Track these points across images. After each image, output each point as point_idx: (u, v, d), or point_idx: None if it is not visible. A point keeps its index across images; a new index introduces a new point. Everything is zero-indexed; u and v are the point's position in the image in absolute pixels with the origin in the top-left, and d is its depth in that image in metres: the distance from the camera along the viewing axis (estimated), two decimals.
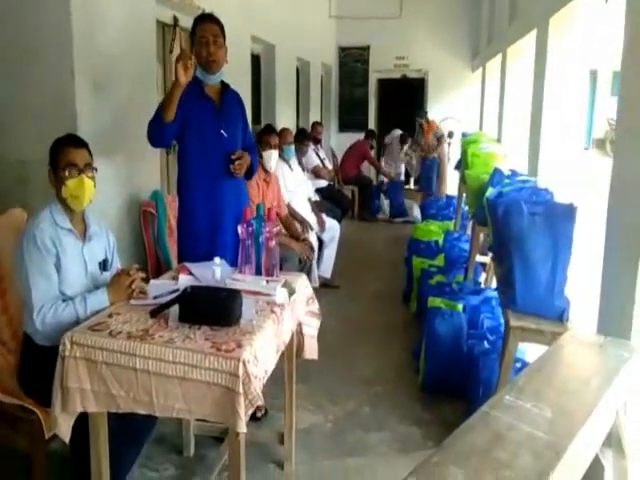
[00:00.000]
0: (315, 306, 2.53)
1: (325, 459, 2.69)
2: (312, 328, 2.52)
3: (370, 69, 11.43)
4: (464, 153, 5.46)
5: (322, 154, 7.52)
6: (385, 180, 9.10)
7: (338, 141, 11.00)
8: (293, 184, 4.98)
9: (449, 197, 7.77)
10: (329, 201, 6.46)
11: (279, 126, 5.67)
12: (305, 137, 6.39)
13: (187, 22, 4.40)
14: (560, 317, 2.46)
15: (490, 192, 3.08)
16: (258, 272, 2.35)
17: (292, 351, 2.48)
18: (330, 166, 7.76)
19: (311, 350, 2.52)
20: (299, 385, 2.73)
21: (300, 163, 5.98)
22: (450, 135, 9.38)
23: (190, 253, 2.75)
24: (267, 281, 2.24)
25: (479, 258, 4.43)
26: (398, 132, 9.51)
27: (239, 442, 1.77)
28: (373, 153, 9.32)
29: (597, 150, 15.79)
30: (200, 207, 2.81)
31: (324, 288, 4.93)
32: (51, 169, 2.14)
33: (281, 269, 2.53)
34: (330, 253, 5.22)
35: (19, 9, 2.82)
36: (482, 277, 4.63)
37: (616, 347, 1.81)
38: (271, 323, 1.97)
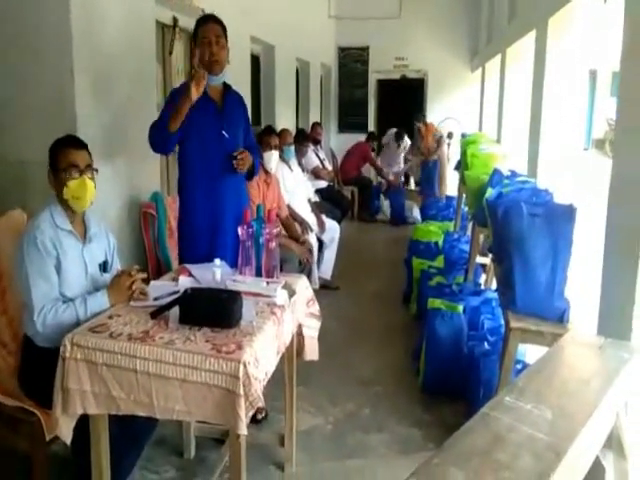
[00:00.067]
0: (315, 307, 2.53)
1: (325, 461, 2.69)
2: (312, 329, 2.52)
3: (370, 69, 11.44)
4: (464, 154, 5.46)
5: (322, 155, 7.51)
6: (383, 181, 9.09)
7: (338, 142, 11.00)
8: (293, 185, 4.98)
9: (449, 198, 7.76)
10: (329, 202, 6.45)
11: (279, 127, 5.67)
12: (305, 138, 6.39)
13: (186, 23, 4.41)
14: (560, 318, 2.46)
15: (490, 193, 3.08)
16: (258, 273, 2.35)
17: (292, 353, 2.48)
18: (330, 167, 7.76)
19: (311, 351, 2.52)
20: (299, 387, 2.73)
21: (300, 164, 5.98)
22: (450, 136, 9.38)
23: (191, 254, 2.76)
24: (267, 282, 2.24)
25: (479, 259, 4.43)
26: (394, 131, 9.51)
27: (240, 444, 1.77)
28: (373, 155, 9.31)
29: (597, 150, 15.80)
30: (201, 208, 2.81)
31: (324, 289, 4.93)
32: (51, 170, 2.13)
33: (281, 270, 2.53)
34: (330, 254, 5.21)
35: (19, 9, 2.82)
36: (482, 278, 4.63)
37: (616, 348, 1.81)
38: (271, 325, 1.97)
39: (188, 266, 2.47)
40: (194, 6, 4.39)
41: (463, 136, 6.81)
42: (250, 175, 2.99)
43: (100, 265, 2.25)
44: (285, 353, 2.31)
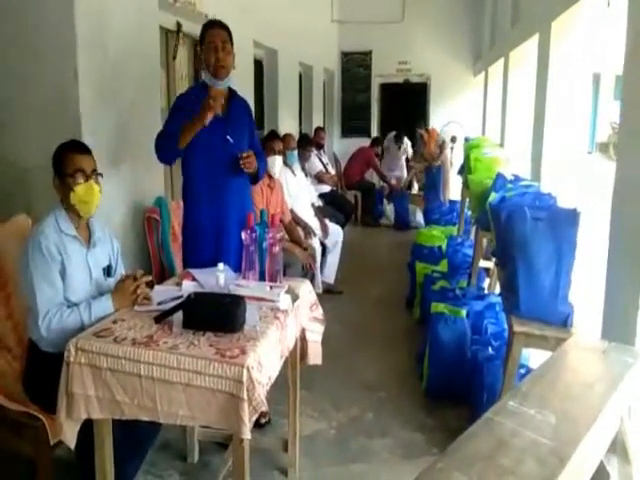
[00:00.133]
0: (319, 312, 2.53)
1: (329, 466, 2.68)
2: (316, 334, 2.52)
3: (372, 74, 11.47)
4: (467, 158, 5.45)
5: (325, 159, 7.52)
6: (385, 186, 9.08)
7: (341, 146, 11.02)
8: (296, 190, 4.99)
9: (452, 202, 7.74)
10: (332, 206, 6.45)
11: (282, 132, 5.68)
12: (308, 143, 6.40)
13: (190, 28, 4.43)
14: (564, 322, 2.45)
15: (493, 197, 3.08)
16: (262, 278, 2.35)
17: (296, 357, 2.48)
18: (333, 171, 7.77)
19: (315, 355, 2.52)
20: (302, 391, 2.72)
21: (303, 169, 5.99)
22: (453, 140, 9.36)
23: (195, 258, 2.77)
24: (271, 287, 2.24)
25: (482, 263, 4.42)
26: (393, 134, 9.50)
27: (243, 448, 1.77)
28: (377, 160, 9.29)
29: (600, 154, 15.76)
30: (205, 212, 2.82)
31: (327, 294, 4.93)
32: (57, 176, 2.14)
33: (284, 275, 2.53)
34: (333, 259, 5.21)
35: (19, 9, 2.83)
36: (486, 282, 4.61)
37: (620, 353, 1.80)
38: (275, 329, 1.97)
39: (192, 271, 2.48)
40: (198, 11, 4.41)
41: (466, 140, 6.80)
42: (255, 179, 3.00)
43: (104, 270, 2.26)
44: (288, 357, 2.30)
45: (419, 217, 8.18)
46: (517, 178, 3.62)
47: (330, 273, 5.17)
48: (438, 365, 3.24)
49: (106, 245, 2.30)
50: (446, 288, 3.97)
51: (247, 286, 2.21)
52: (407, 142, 9.51)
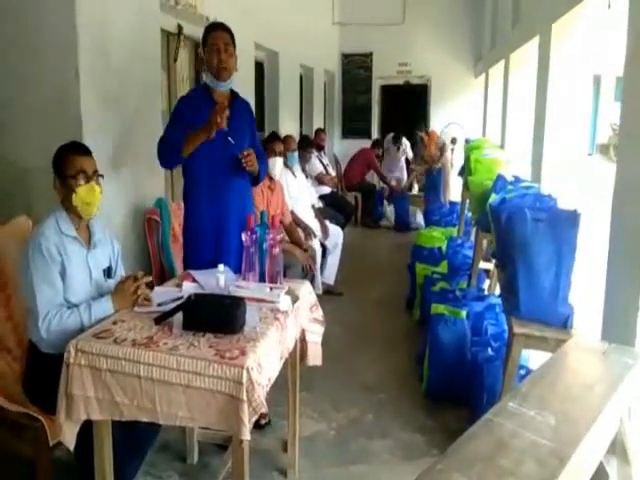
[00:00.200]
0: (319, 313, 2.53)
1: (328, 467, 2.68)
2: (316, 335, 2.52)
3: (373, 75, 11.47)
4: (467, 159, 5.46)
5: (325, 161, 7.53)
6: (385, 187, 9.08)
7: (341, 148, 11.03)
8: (296, 191, 4.99)
9: (452, 203, 7.74)
10: (332, 208, 6.45)
11: (282, 133, 5.69)
12: (308, 144, 6.40)
13: (191, 31, 4.44)
14: (564, 324, 2.45)
15: (493, 198, 3.08)
16: (262, 279, 2.35)
17: (296, 358, 2.48)
18: (333, 173, 7.77)
19: (315, 356, 2.53)
20: (302, 392, 2.73)
21: (303, 170, 5.99)
22: (453, 141, 9.36)
23: (196, 259, 2.77)
24: (271, 288, 2.24)
25: (483, 264, 4.42)
26: (391, 135, 9.50)
27: (243, 450, 1.77)
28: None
29: (601, 156, 15.76)
30: (206, 213, 2.82)
31: (327, 295, 4.93)
32: (58, 177, 2.13)
33: (284, 276, 2.54)
34: (333, 260, 5.22)
35: (20, 9, 2.83)
36: (486, 284, 4.62)
37: (620, 354, 1.80)
38: (275, 330, 1.97)
39: (192, 272, 2.48)
40: (199, 14, 4.42)
41: (467, 142, 6.80)
42: (256, 181, 3.01)
43: (104, 271, 2.26)
44: (288, 359, 2.31)
45: (419, 218, 8.18)
46: (517, 179, 3.62)
47: (330, 274, 5.17)
48: (438, 366, 3.24)
49: (106, 246, 2.30)
50: (446, 289, 3.97)
51: (247, 287, 2.21)
52: (406, 143, 9.50)
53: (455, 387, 3.19)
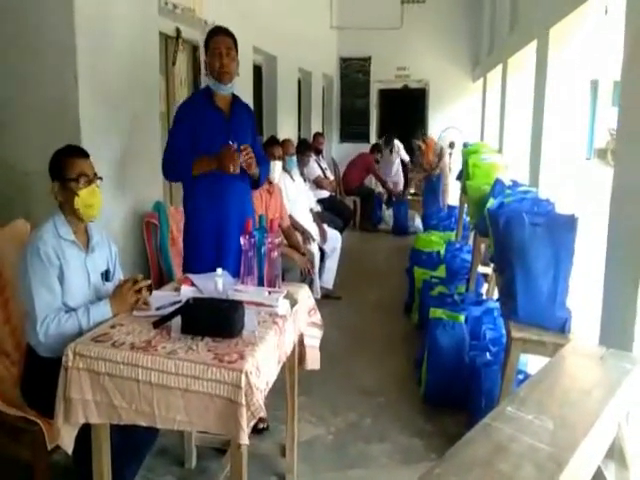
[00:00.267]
0: (317, 317, 2.53)
1: (327, 471, 2.68)
2: (314, 339, 2.51)
3: (371, 80, 11.51)
4: (465, 164, 5.47)
5: (324, 165, 7.53)
6: (383, 191, 9.08)
7: (340, 152, 11.04)
8: (295, 195, 5.00)
9: (450, 208, 7.76)
10: (331, 212, 6.46)
11: (281, 137, 5.69)
12: (307, 148, 6.40)
13: (190, 34, 4.45)
14: (562, 328, 2.45)
15: (491, 203, 3.08)
16: (260, 283, 2.35)
17: (294, 362, 2.47)
18: (332, 177, 7.77)
19: (313, 360, 2.52)
20: (301, 397, 2.72)
21: (302, 174, 5.99)
22: (451, 145, 9.38)
23: (196, 263, 2.78)
24: (269, 292, 2.24)
25: (481, 269, 4.43)
26: (383, 138, 9.51)
27: (241, 454, 1.77)
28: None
29: (599, 160, 15.80)
30: (206, 216, 2.83)
31: (326, 299, 4.93)
32: (57, 181, 2.12)
33: (283, 280, 2.54)
34: (332, 264, 5.22)
35: (20, 9, 2.82)
36: (484, 288, 4.62)
37: (618, 359, 1.81)
38: (273, 334, 1.97)
39: (190, 276, 2.48)
40: (197, 18, 4.43)
41: (465, 146, 6.81)
42: (256, 184, 3.01)
43: (102, 274, 2.26)
44: (286, 363, 2.31)
45: (417, 222, 8.19)
46: (515, 184, 3.62)
47: (328, 278, 5.17)
48: (436, 370, 3.24)
49: (104, 250, 2.30)
50: (444, 293, 3.98)
51: (246, 291, 2.21)
52: (399, 145, 9.49)
53: (453, 391, 3.19)
